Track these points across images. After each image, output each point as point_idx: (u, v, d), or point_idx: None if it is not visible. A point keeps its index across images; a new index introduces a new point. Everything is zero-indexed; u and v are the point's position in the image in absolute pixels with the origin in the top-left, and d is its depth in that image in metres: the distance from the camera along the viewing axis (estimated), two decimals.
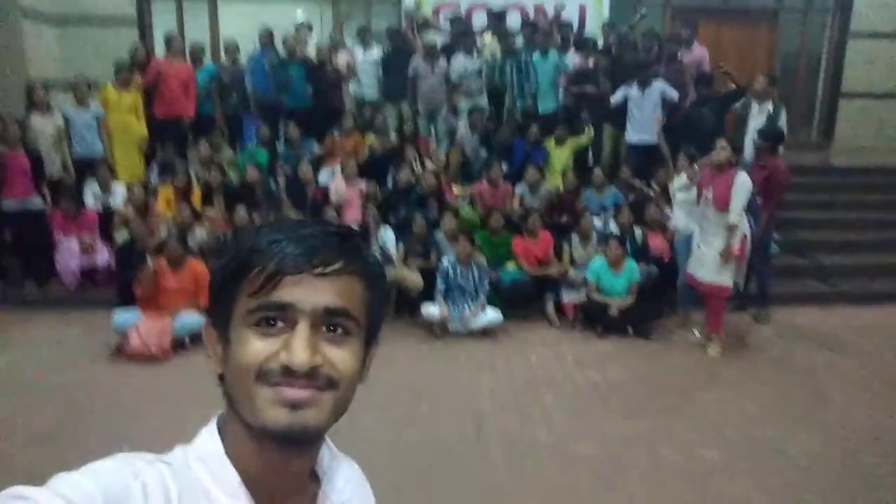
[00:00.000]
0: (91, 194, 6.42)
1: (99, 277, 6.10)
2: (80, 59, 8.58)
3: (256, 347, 0.67)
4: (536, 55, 7.38)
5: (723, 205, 4.74)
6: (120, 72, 6.81)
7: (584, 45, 7.64)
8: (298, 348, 0.66)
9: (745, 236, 4.90)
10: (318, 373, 0.67)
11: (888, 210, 7.52)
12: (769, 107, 6.27)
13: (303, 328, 0.67)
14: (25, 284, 6.08)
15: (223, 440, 0.71)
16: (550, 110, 7.42)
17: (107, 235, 6.12)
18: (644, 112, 6.77)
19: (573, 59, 7.55)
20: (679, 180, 5.51)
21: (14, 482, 0.59)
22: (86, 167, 6.59)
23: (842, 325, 5.71)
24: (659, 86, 6.75)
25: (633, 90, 6.77)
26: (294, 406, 0.66)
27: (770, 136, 5.52)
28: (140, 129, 6.92)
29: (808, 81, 10.21)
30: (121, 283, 5.55)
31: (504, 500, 3.19)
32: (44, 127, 6.33)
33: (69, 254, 5.92)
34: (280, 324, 0.67)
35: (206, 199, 6.31)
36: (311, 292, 0.67)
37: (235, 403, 0.69)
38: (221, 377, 0.72)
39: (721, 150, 4.81)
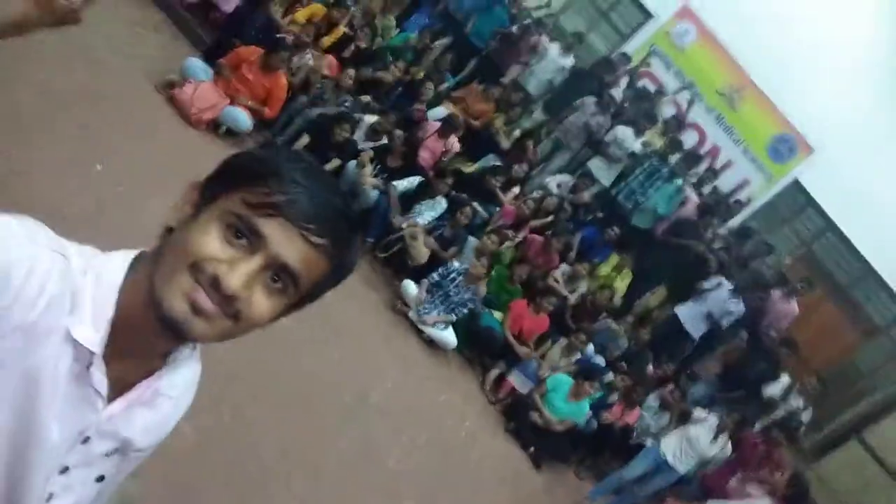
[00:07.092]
0: None
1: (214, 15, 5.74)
2: None
3: (211, 245, 0.68)
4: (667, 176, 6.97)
5: None
6: None
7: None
8: (237, 276, 0.68)
9: None
10: (235, 303, 0.68)
11: None
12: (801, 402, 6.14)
13: (255, 262, 0.69)
14: None
15: (126, 277, 0.73)
16: (640, 226, 7.05)
17: None
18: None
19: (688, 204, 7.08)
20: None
21: None
22: None
23: None
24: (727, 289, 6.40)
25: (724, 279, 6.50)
26: (195, 310, 0.68)
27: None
28: None
29: None
30: (222, 33, 5.46)
31: None
32: None
33: None
34: (244, 241, 0.69)
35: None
36: (286, 243, 0.69)
37: (157, 266, 0.70)
38: (169, 230, 0.73)
39: None
